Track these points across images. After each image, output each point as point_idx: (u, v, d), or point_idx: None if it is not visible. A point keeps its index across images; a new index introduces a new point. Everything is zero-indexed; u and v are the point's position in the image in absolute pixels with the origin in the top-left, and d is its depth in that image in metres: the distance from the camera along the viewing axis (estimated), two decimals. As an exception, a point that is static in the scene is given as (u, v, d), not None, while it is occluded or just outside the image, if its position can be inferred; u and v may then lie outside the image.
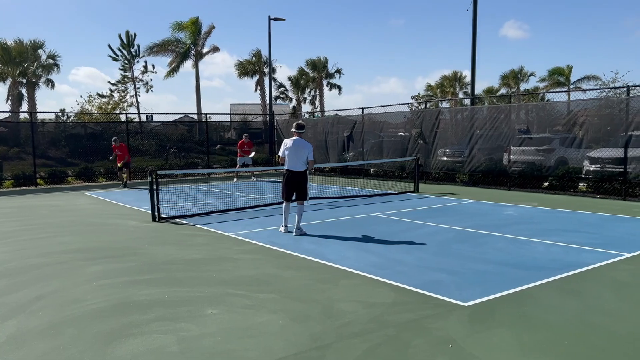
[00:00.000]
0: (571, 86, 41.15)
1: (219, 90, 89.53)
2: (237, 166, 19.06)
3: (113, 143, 17.36)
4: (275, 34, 62.99)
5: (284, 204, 8.89)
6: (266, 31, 26.03)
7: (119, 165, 17.65)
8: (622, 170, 12.53)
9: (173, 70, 35.65)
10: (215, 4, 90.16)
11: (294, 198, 8.77)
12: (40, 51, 32.71)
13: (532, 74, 45.87)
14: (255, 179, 19.56)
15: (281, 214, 9.06)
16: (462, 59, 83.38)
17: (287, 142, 8.73)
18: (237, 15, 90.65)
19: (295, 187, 8.67)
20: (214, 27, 35.70)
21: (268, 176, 21.08)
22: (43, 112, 45.67)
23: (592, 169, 13.45)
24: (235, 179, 19.66)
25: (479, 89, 55.43)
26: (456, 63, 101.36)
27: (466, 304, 4.97)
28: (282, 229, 8.88)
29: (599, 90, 20.54)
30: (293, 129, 8.78)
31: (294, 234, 8.59)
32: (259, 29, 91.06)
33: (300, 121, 8.93)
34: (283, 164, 8.78)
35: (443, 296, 5.22)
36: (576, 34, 77.64)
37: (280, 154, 8.87)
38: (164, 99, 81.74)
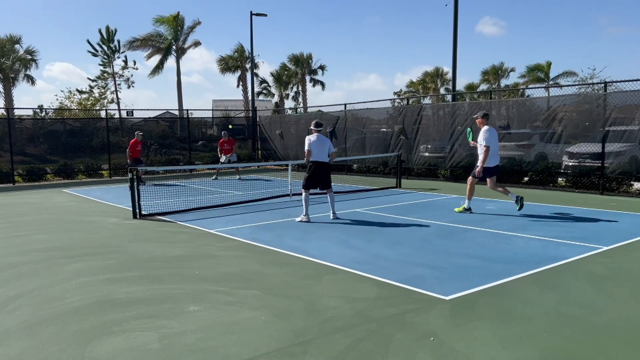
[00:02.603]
0: (550, 82, 41.72)
1: (198, 86, 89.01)
2: (219, 163, 18.60)
3: (136, 138, 16.42)
4: (255, 29, 62.54)
5: (304, 194, 9.47)
6: (244, 26, 26.18)
7: (130, 161, 16.63)
8: (599, 165, 12.75)
9: (158, 68, 35.24)
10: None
11: (314, 189, 9.67)
12: (17, 46, 32.14)
13: (512, 70, 46.42)
14: (239, 176, 18.71)
15: (264, 211, 9.10)
16: (439, 55, 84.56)
17: (312, 138, 9.43)
18: (213, 9, 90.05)
19: (322, 177, 9.51)
20: (199, 23, 35.32)
21: (251, 172, 20.99)
22: (21, 107, 44.87)
23: (570, 164, 13.67)
24: (214, 176, 18.76)
25: (459, 85, 55.95)
26: (434, 59, 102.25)
27: (447, 298, 5.03)
28: (303, 218, 9.38)
29: (577, 87, 20.85)
30: (312, 127, 9.57)
31: (332, 217, 9.53)
32: (237, 24, 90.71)
33: (317, 120, 9.73)
34: (308, 159, 9.46)
35: (425, 290, 5.27)
36: (552, 31, 79.05)
37: (307, 148, 9.41)
38: (143, 94, 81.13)
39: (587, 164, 13.22)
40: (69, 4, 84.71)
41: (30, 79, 33.71)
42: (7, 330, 4.45)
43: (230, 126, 18.79)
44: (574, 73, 40.66)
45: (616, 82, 12.87)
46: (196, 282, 5.80)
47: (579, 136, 13.86)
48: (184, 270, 6.30)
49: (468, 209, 10.10)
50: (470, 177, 9.95)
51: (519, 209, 9.64)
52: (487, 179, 9.79)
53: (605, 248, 6.98)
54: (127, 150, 16.56)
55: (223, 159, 18.05)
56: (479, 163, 9.58)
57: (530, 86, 41.18)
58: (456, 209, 10.24)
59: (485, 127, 9.61)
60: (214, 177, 18.60)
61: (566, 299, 5.01)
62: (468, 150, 15.92)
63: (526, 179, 14.62)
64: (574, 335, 4.15)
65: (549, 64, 42.25)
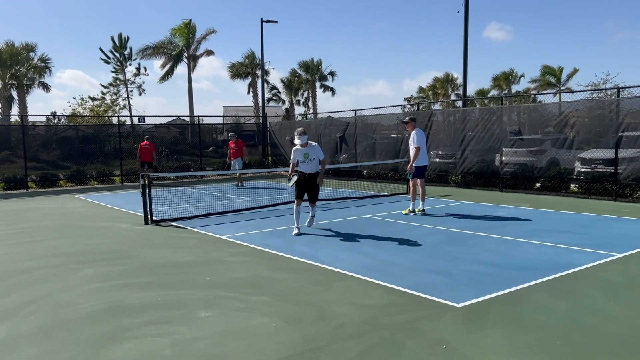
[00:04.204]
0: (562, 87, 41.45)
1: (207, 92, 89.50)
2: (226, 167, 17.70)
3: (145, 140, 18.28)
4: (264, 36, 62.79)
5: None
6: (252, 33, 26.28)
7: (140, 162, 18.25)
8: (612, 171, 12.63)
9: (167, 74, 35.53)
10: (200, 5, 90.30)
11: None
12: (31, 54, 32.55)
13: (522, 76, 46.24)
14: (240, 183, 17.46)
15: (274, 217, 9.18)
16: (447, 61, 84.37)
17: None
18: (222, 17, 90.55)
19: None
20: (214, 31, 35.52)
21: (262, 178, 21.04)
22: (34, 114, 45.39)
23: (583, 169, 13.54)
24: (239, 184, 17.52)
25: (469, 91, 55.82)
26: (442, 65, 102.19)
27: (459, 305, 4.99)
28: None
29: (589, 92, 20.74)
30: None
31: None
32: (245, 31, 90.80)
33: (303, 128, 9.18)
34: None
35: (436, 297, 5.24)
36: (559, 36, 78.47)
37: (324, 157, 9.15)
38: (152, 101, 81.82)
39: (600, 170, 13.09)
40: (78, 12, 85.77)
41: (45, 87, 34.16)
42: (20, 336, 4.50)
43: (230, 134, 18.07)
44: (576, 70, 41.09)
45: (629, 87, 12.78)
46: (207, 287, 5.82)
47: (591, 142, 13.73)
48: (194, 275, 6.33)
49: (413, 211, 10.73)
50: (411, 181, 10.84)
51: (406, 213, 10.70)
52: (418, 180, 10.69)
53: (618, 255, 6.90)
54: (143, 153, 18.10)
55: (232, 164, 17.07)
56: (411, 162, 10.57)
57: (542, 92, 40.93)
58: (403, 211, 10.93)
59: (414, 130, 10.55)
60: (239, 185, 17.30)
61: (579, 306, 4.96)
62: (479, 156, 15.84)
63: (538, 185, 14.51)
64: (588, 344, 4.10)
65: (560, 69, 42.01)
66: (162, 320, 4.80)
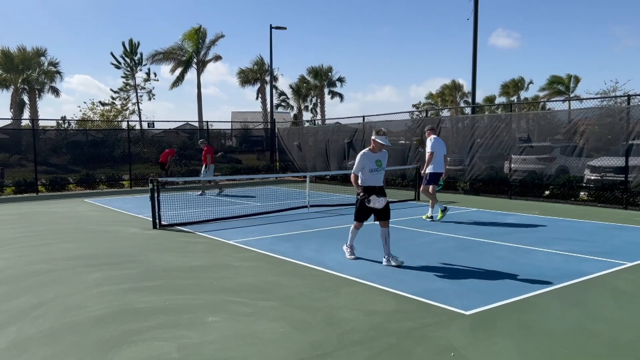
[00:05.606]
0: (571, 95, 41.27)
1: (214, 98, 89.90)
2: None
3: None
4: (273, 43, 63.06)
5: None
6: (261, 40, 26.54)
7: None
8: (623, 179, 12.53)
9: (178, 80, 35.75)
10: (209, 12, 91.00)
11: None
12: (42, 58, 32.92)
13: (530, 82, 46.16)
14: (201, 192, 16.97)
15: (282, 222, 9.08)
16: (454, 67, 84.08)
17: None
18: (230, 23, 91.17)
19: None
20: (222, 36, 35.72)
21: (270, 184, 21.06)
22: (45, 119, 45.83)
23: (593, 177, 13.45)
24: (219, 190, 17.31)
25: (477, 97, 55.71)
26: (449, 71, 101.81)
27: (467, 313, 4.96)
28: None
29: (599, 99, 20.62)
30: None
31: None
32: (253, 38, 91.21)
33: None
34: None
35: (444, 304, 5.21)
36: (567, 43, 78.05)
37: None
38: (160, 106, 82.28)
39: (610, 178, 12.99)
40: (85, 18, 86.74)
41: (55, 91, 34.50)
42: (29, 338, 4.52)
43: (200, 140, 17.39)
44: (578, 79, 40.98)
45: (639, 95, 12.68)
46: (215, 292, 5.82)
47: (601, 149, 13.65)
48: (202, 280, 6.34)
49: (431, 217, 10.81)
50: (422, 186, 10.99)
51: (440, 218, 10.70)
52: (430, 185, 10.77)
53: (629, 264, 6.83)
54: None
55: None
56: (425, 167, 10.77)
57: (551, 99, 40.77)
58: (424, 216, 10.99)
59: (431, 137, 10.78)
60: (220, 190, 17.24)
61: (589, 315, 4.91)
62: (488, 163, 15.78)
63: (547, 192, 14.42)
64: (598, 352, 4.06)
65: (569, 77, 41.85)
66: (169, 324, 4.80)
